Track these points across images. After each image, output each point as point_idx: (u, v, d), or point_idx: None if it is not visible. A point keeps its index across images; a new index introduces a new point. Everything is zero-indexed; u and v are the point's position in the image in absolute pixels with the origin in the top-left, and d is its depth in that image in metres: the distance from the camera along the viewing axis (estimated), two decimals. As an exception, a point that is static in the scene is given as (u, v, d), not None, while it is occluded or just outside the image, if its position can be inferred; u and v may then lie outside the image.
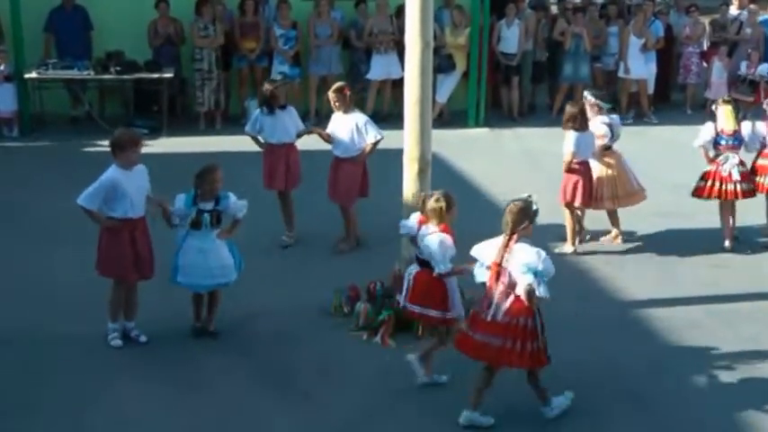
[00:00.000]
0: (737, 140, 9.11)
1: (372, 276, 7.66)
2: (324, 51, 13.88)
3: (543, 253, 5.78)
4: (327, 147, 9.06)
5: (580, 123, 8.74)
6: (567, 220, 9.04)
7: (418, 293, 6.42)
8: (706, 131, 9.17)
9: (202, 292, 7.14)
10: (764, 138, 9.22)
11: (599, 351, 7.07)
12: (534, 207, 5.87)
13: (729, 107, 9.16)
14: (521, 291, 5.69)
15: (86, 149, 12.49)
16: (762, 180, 9.25)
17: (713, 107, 9.52)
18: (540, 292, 5.65)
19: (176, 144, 12.50)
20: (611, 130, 9.14)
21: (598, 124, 9.03)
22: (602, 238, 9.36)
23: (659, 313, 7.77)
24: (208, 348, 7.03)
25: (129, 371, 6.72)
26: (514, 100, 14.57)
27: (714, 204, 9.33)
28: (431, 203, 6.32)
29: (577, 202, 8.90)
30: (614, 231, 9.32)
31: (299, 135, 9.17)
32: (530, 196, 5.94)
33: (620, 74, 14.76)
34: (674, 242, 9.34)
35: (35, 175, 11.40)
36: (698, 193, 9.26)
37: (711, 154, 9.18)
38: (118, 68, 13.11)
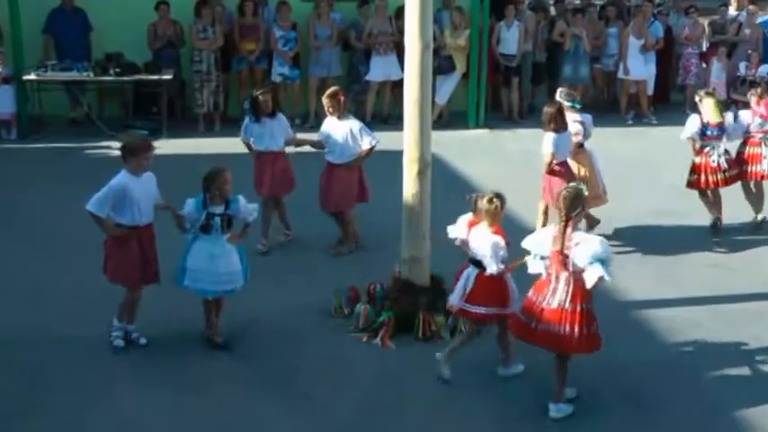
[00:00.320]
0: (721, 131, 9.43)
1: (372, 278, 7.65)
2: (323, 53, 13.86)
3: (604, 240, 6.05)
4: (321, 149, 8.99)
5: (558, 124, 8.75)
6: (540, 219, 9.12)
7: (479, 294, 6.49)
8: (692, 123, 9.46)
9: (209, 297, 7.05)
10: (749, 126, 9.58)
11: (601, 351, 7.04)
12: (586, 193, 6.11)
13: (714, 100, 9.50)
14: (591, 280, 5.88)
15: (85, 151, 12.48)
16: (754, 168, 9.57)
17: (696, 99, 9.77)
18: (606, 278, 5.88)
19: (176, 146, 12.48)
20: (584, 128, 9.25)
21: (570, 122, 9.09)
22: None
23: (660, 313, 7.76)
24: (208, 350, 7.02)
25: (130, 373, 6.71)
26: (514, 101, 14.56)
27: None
28: (484, 205, 6.42)
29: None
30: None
31: (288, 144, 9.09)
32: (579, 184, 6.18)
33: (620, 75, 14.74)
34: (674, 242, 9.33)
35: (34, 177, 11.38)
36: (691, 185, 9.59)
37: (698, 145, 9.45)
38: (117, 70, 13.09)
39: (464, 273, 6.62)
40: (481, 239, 6.42)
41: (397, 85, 12.54)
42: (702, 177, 9.43)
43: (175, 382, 6.59)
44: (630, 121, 14.51)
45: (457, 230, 6.70)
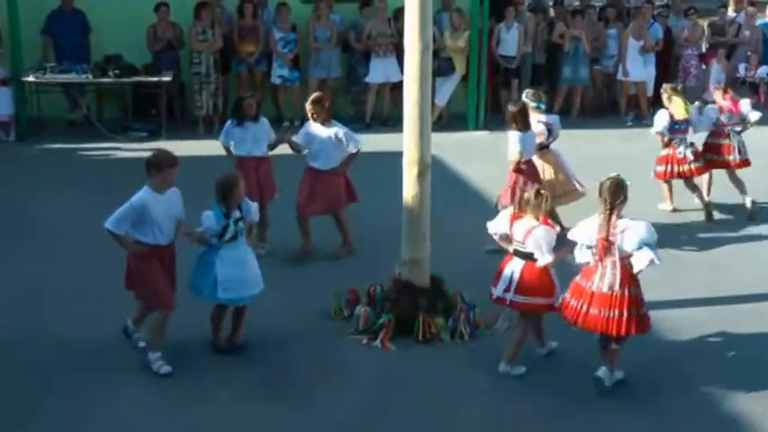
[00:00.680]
0: (687, 124, 10.04)
1: (372, 280, 7.64)
2: (323, 54, 13.86)
3: (649, 225, 6.28)
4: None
5: (522, 123, 8.81)
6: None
7: (527, 285, 6.60)
8: (662, 119, 9.96)
9: (242, 304, 6.93)
10: (718, 119, 10.19)
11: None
12: (628, 182, 6.36)
13: (681, 98, 10.06)
14: (642, 264, 6.13)
15: (84, 153, 12.48)
16: (729, 158, 10.15)
17: (664, 95, 10.18)
18: (656, 261, 6.13)
19: (175, 148, 12.24)
20: (549, 130, 9.33)
21: (535, 123, 9.17)
22: None
23: (660, 314, 7.71)
24: (208, 353, 7.00)
25: (130, 374, 6.69)
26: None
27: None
28: (531, 198, 6.58)
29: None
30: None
31: (271, 147, 8.90)
32: (618, 174, 6.41)
33: (620, 76, 14.76)
34: (673, 243, 9.32)
35: (32, 178, 11.38)
36: (658, 176, 10.16)
37: (666, 138, 9.98)
38: (116, 72, 13.10)
39: (507, 265, 6.70)
40: (530, 231, 6.55)
41: (397, 87, 12.54)
42: (668, 168, 10.01)
43: (176, 384, 6.57)
44: (630, 123, 14.51)
45: (499, 225, 6.82)
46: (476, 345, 7.21)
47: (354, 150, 8.67)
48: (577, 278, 6.44)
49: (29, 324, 7.43)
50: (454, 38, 13.88)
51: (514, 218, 6.71)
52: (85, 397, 6.39)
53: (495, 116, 14.36)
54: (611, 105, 15.30)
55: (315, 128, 8.70)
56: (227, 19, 13.95)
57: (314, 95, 8.95)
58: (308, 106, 8.70)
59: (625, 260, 6.19)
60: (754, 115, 10.28)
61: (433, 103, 11.01)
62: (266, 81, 13.96)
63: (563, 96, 14.82)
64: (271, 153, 8.94)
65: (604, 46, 14.88)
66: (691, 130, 10.07)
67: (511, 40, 14.36)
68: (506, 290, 6.66)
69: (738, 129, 10.21)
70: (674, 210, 10.28)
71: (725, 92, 10.42)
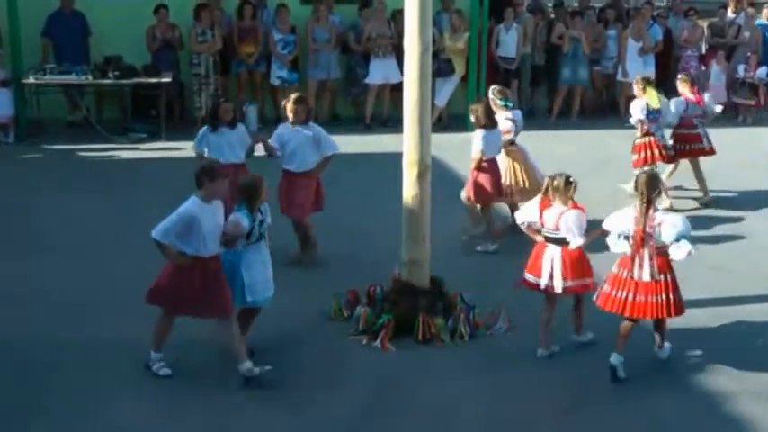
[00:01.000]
0: (659, 114, 10.47)
1: (372, 280, 7.63)
2: (322, 56, 13.86)
3: (684, 217, 6.63)
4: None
5: (486, 122, 8.85)
6: (475, 217, 9.25)
7: (574, 269, 6.89)
8: (639, 108, 10.39)
9: (265, 306, 6.87)
10: (685, 110, 10.64)
11: (599, 353, 7.05)
12: (662, 177, 6.66)
13: (654, 89, 10.52)
14: (680, 255, 6.44)
15: (84, 154, 12.47)
16: (704, 145, 10.71)
17: (637, 86, 10.59)
18: (693, 252, 6.46)
19: (175, 149, 12.48)
20: (515, 126, 9.44)
21: (502, 120, 9.27)
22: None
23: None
24: (207, 354, 6.99)
25: (129, 376, 6.68)
26: (513, 104, 14.56)
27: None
28: (561, 185, 6.84)
29: (486, 199, 9.11)
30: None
31: (248, 154, 8.64)
32: (652, 168, 6.76)
33: (619, 77, 14.76)
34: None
35: (32, 180, 11.37)
36: (636, 164, 10.37)
37: (646, 127, 10.40)
38: (116, 73, 13.08)
39: (545, 254, 6.91)
40: (562, 217, 6.80)
41: (396, 88, 12.53)
42: (647, 153, 10.36)
43: (174, 386, 6.56)
44: (630, 124, 14.47)
45: (529, 214, 7.07)
46: (475, 345, 7.21)
47: (330, 154, 8.50)
48: (614, 269, 6.70)
49: (29, 324, 7.43)
50: (454, 39, 13.87)
51: (543, 206, 6.95)
52: (85, 398, 6.39)
53: (495, 117, 14.36)
54: (610, 106, 15.30)
55: (291, 129, 8.47)
56: (227, 20, 13.94)
57: (297, 95, 8.75)
58: (290, 106, 8.45)
59: (661, 250, 6.49)
60: (717, 108, 11.08)
61: (433, 105, 11.02)
62: (265, 82, 13.97)
63: (563, 97, 14.82)
64: (247, 159, 8.68)
65: (604, 47, 14.87)
66: (661, 120, 10.52)
67: (510, 42, 14.36)
68: (551, 278, 6.89)
69: (703, 121, 10.79)
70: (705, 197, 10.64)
71: (692, 85, 10.90)
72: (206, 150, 8.56)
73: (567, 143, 13.07)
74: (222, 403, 6.35)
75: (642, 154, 10.41)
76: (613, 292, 6.65)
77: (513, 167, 9.40)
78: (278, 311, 7.60)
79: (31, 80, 13.04)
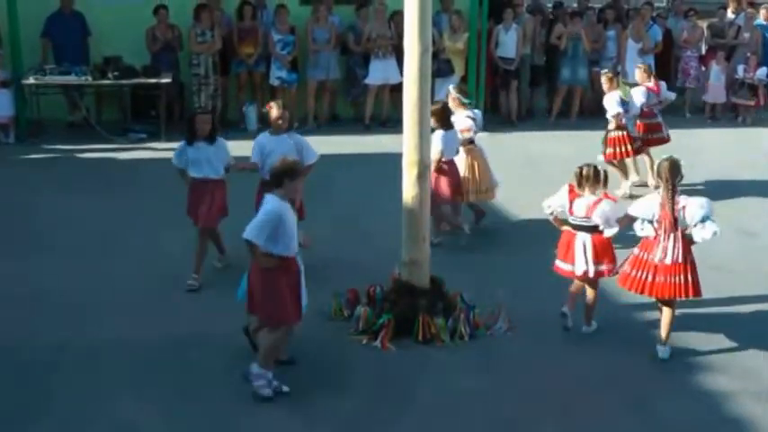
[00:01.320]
0: (626, 106, 10.73)
1: (372, 280, 7.64)
2: (322, 56, 13.86)
3: (707, 200, 6.84)
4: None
5: (444, 122, 8.86)
6: (447, 213, 9.24)
7: (604, 254, 7.24)
8: (615, 102, 10.58)
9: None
10: (648, 99, 10.95)
11: (599, 353, 7.06)
12: (682, 161, 6.85)
13: (620, 82, 10.87)
14: (706, 236, 6.69)
15: (84, 155, 12.47)
16: (664, 134, 11.20)
17: (608, 81, 10.73)
18: (718, 233, 6.71)
19: (174, 149, 12.43)
20: (474, 124, 9.51)
21: (462, 118, 9.30)
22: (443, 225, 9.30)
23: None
24: (207, 354, 6.99)
25: (129, 377, 6.69)
26: (513, 104, 14.57)
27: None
28: (591, 175, 7.19)
29: (445, 200, 9.07)
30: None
31: (227, 170, 8.26)
32: (671, 155, 6.94)
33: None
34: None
35: (32, 180, 11.37)
36: (609, 158, 10.69)
37: (622, 120, 10.64)
38: (116, 74, 13.09)
39: (577, 242, 7.21)
40: (597, 206, 7.11)
41: (396, 89, 12.52)
42: (620, 149, 10.64)
43: (174, 386, 6.57)
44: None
45: (559, 199, 7.33)
46: (475, 345, 7.22)
47: (312, 162, 8.23)
48: (636, 251, 6.96)
49: (29, 324, 7.43)
50: (453, 39, 13.88)
51: (573, 196, 7.23)
52: (85, 398, 6.39)
53: (494, 118, 14.38)
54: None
55: (272, 138, 8.17)
56: (227, 21, 13.94)
57: (279, 101, 8.61)
58: (280, 112, 8.12)
59: (684, 233, 6.72)
60: (671, 95, 11.67)
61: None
62: (265, 83, 13.96)
63: (562, 97, 14.82)
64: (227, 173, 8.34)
65: (603, 47, 14.88)
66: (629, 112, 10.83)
67: (510, 42, 14.36)
68: (587, 263, 7.18)
69: (660, 108, 11.29)
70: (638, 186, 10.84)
71: (650, 74, 11.21)
72: (185, 164, 8.19)
73: (567, 143, 13.06)
74: (222, 403, 6.35)
75: (617, 149, 10.66)
76: (633, 272, 6.91)
77: (473, 165, 9.42)
78: (278, 311, 7.61)
79: (31, 81, 13.04)
